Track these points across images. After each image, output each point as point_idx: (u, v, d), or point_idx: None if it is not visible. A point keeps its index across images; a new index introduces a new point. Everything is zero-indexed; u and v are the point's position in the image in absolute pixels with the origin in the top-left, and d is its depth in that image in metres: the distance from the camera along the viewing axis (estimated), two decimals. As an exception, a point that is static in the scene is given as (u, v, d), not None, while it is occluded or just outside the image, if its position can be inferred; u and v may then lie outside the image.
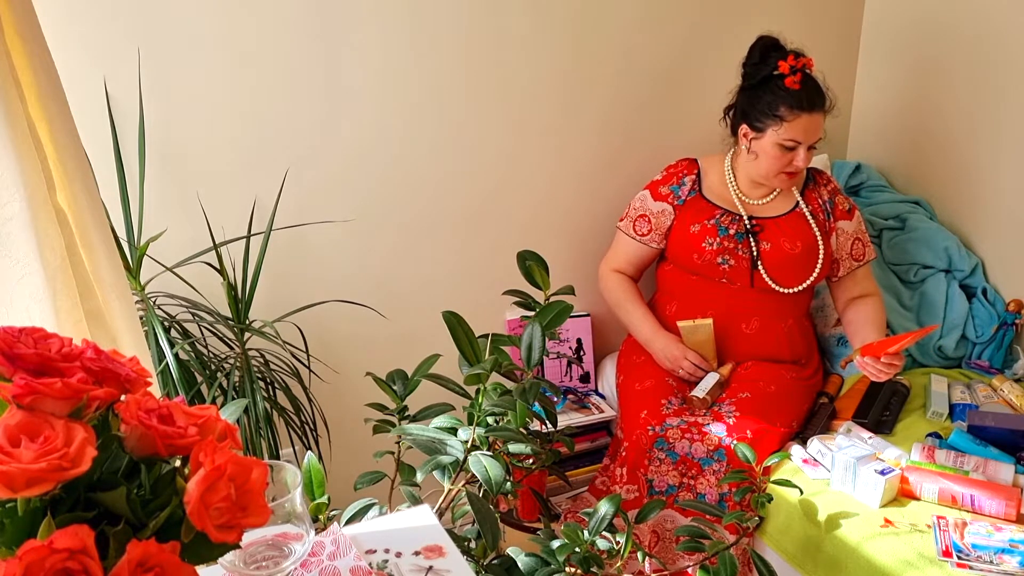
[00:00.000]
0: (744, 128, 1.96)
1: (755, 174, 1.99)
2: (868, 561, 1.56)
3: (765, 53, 1.92)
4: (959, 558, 1.50)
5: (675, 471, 1.83)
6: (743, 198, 2.04)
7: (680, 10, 2.21)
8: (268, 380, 1.77)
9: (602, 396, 2.32)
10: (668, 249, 2.10)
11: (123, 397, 0.63)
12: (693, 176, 2.07)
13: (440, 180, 2.07)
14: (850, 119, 2.58)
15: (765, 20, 2.28)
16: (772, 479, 1.68)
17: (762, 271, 1.98)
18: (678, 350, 2.03)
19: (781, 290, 2.00)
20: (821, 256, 2.00)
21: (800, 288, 2.01)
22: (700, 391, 1.95)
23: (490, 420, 1.26)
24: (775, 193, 2.04)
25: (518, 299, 1.35)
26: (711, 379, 1.98)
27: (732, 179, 2.05)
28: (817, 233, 2.00)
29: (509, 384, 1.26)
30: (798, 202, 2.03)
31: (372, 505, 1.20)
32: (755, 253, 1.99)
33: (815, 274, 2.01)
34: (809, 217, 2.01)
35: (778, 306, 2.03)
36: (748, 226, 2.00)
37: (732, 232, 2.00)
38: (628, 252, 2.16)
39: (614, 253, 2.20)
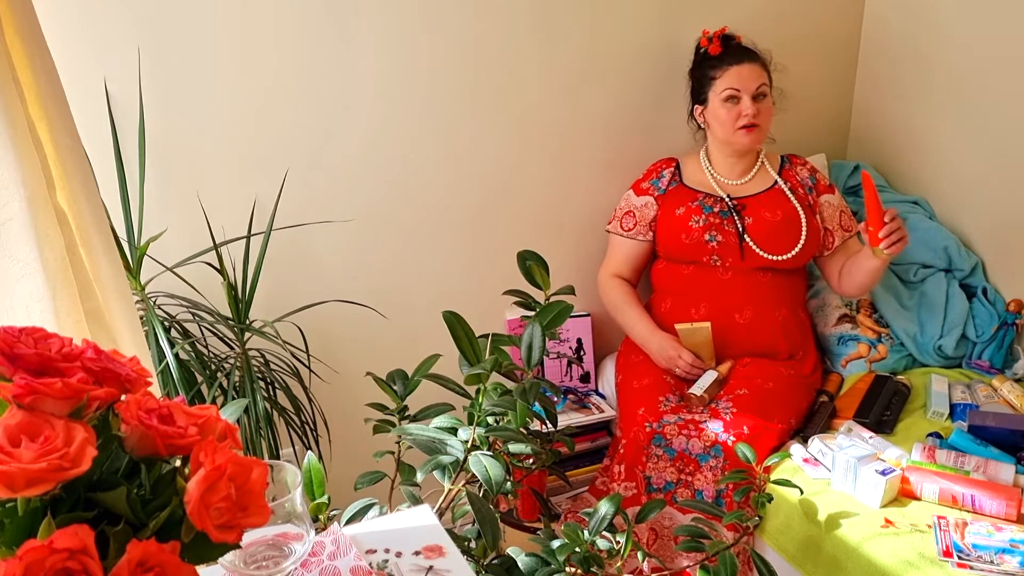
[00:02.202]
0: (698, 109, 2.12)
1: (721, 142, 2.09)
2: (868, 561, 1.56)
3: (697, 49, 2.15)
4: (960, 558, 1.50)
5: (672, 467, 1.83)
6: (721, 180, 2.12)
7: (683, 14, 2.21)
8: (268, 380, 1.76)
9: (602, 396, 2.32)
10: (657, 240, 2.14)
11: (123, 397, 0.63)
12: (672, 169, 2.17)
13: (441, 180, 2.07)
14: (850, 119, 2.58)
15: (767, 20, 2.28)
16: (772, 478, 1.68)
17: (750, 241, 2.03)
18: (673, 349, 2.04)
19: (773, 257, 2.03)
20: (804, 224, 2.06)
21: (791, 254, 2.04)
22: (698, 388, 1.95)
23: (490, 420, 1.26)
24: (752, 173, 2.11)
25: (518, 299, 1.34)
26: (709, 377, 1.98)
27: (708, 164, 2.14)
28: (797, 204, 2.07)
29: (509, 384, 1.26)
30: (776, 181, 2.10)
31: (372, 505, 1.20)
32: (741, 227, 2.03)
33: (802, 240, 2.05)
34: (788, 192, 2.09)
35: (771, 293, 2.06)
36: (731, 204, 2.06)
37: (716, 210, 2.06)
38: (622, 252, 2.19)
39: (609, 257, 2.23)
